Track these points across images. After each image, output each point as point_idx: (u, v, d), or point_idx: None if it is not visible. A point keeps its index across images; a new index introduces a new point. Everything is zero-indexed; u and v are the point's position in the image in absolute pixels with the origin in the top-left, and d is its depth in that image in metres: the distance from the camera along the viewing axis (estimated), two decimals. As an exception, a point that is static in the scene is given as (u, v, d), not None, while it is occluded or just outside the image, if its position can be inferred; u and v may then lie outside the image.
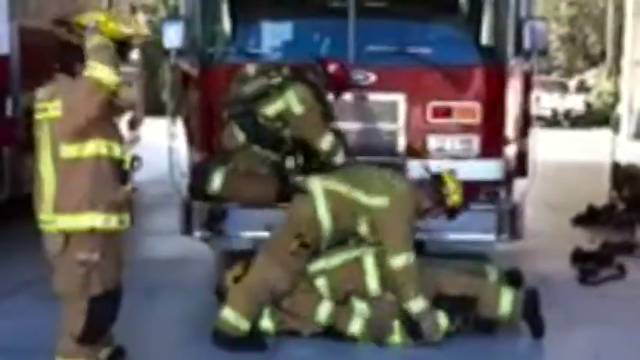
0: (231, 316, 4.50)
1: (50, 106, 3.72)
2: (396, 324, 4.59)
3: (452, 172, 4.80)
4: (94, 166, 3.72)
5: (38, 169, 3.79)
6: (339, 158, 4.97)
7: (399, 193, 4.62)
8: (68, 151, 3.68)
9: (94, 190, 3.71)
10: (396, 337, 4.61)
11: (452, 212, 4.78)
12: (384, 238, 4.56)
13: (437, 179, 4.76)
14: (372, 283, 4.66)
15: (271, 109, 4.93)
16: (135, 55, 11.24)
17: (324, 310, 4.61)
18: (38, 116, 3.81)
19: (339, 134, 5.10)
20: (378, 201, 4.56)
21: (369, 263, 4.65)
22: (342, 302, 4.68)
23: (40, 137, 3.77)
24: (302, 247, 4.55)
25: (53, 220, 3.74)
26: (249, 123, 4.94)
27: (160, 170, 8.27)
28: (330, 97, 5.16)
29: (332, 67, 5.09)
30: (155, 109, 16.18)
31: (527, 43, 5.45)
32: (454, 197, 4.72)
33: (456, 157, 5.53)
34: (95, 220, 3.71)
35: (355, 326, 4.61)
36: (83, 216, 3.70)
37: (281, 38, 6.02)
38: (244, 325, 4.50)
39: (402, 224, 4.56)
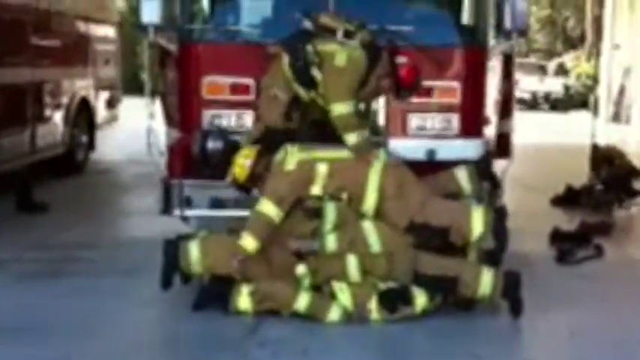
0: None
1: None
2: (374, 303, 4.60)
3: None
4: None
5: None
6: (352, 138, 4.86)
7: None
8: None
9: None
10: (375, 315, 4.62)
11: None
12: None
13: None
14: (353, 270, 4.67)
15: (322, 46, 4.90)
16: (112, 32, 11.11)
17: (303, 301, 4.61)
18: None
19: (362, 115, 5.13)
20: None
21: (352, 260, 4.65)
22: (321, 287, 4.70)
23: None
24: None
25: None
26: (299, 52, 4.89)
27: (137, 150, 8.24)
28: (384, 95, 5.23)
29: (403, 68, 5.05)
30: (133, 88, 16.04)
31: (507, 24, 5.43)
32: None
33: (436, 137, 5.52)
34: None
35: (334, 315, 4.61)
36: None
37: (261, 15, 5.94)
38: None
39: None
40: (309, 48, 4.89)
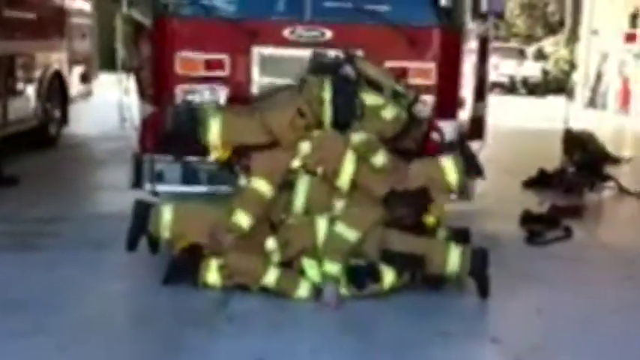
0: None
1: None
2: (343, 278, 4.62)
3: None
4: None
5: None
6: None
7: None
8: None
9: None
10: (343, 291, 4.64)
11: None
12: None
13: None
14: (323, 235, 4.65)
15: (367, 99, 4.92)
16: (88, 6, 10.97)
17: (271, 276, 4.62)
18: None
19: None
20: None
21: (322, 225, 4.66)
22: (291, 262, 4.69)
23: None
24: None
25: None
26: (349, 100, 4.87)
27: (111, 125, 8.18)
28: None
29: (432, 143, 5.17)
30: (111, 63, 15.89)
31: (484, 6, 5.44)
32: None
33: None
34: None
35: (303, 291, 4.62)
36: None
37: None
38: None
39: None
40: (357, 102, 4.87)
